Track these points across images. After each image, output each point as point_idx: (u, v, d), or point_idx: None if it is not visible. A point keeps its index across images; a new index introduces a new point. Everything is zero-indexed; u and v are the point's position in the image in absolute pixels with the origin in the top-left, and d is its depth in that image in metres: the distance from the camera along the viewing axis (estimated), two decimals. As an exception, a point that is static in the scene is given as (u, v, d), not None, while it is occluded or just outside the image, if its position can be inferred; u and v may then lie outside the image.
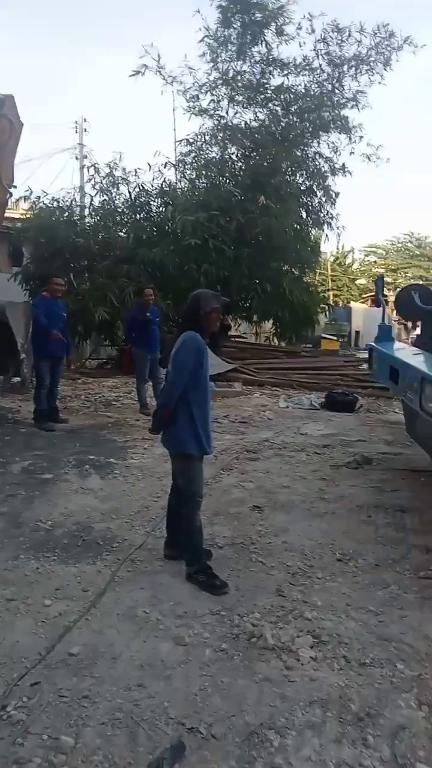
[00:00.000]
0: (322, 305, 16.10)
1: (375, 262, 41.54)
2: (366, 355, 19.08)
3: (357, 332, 26.31)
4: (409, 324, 33.36)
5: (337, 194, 14.86)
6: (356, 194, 71.62)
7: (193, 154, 14.32)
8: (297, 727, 2.44)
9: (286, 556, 4.07)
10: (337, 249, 35.30)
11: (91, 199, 13.71)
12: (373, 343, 6.34)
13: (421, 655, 3.04)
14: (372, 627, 3.26)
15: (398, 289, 5.58)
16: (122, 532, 4.22)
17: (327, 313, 21.67)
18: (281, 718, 2.47)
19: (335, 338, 20.17)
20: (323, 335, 20.16)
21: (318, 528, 4.64)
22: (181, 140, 14.13)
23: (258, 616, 3.23)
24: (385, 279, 6.23)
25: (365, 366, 15.21)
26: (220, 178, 13.84)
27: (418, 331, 14.24)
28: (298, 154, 14.40)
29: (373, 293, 33.30)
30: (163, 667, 2.74)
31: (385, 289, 6.25)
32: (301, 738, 2.38)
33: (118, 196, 13.60)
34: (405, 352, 5.38)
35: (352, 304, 30.22)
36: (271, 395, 10.81)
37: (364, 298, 33.75)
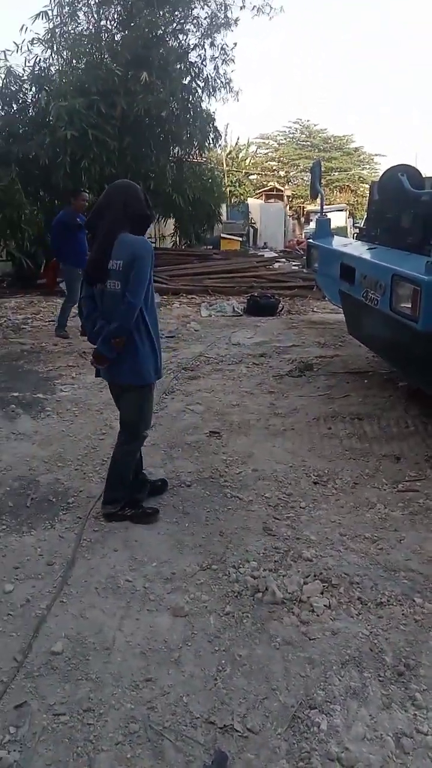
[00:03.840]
0: (226, 196, 14.96)
1: (267, 155, 40.18)
2: (268, 254, 18.44)
3: (255, 230, 25.55)
4: (302, 218, 33.03)
5: (233, 45, 13.07)
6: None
7: (64, 28, 12.07)
8: (338, 698, 2.11)
9: (261, 486, 3.69)
10: (225, 142, 33.51)
11: None
12: (312, 240, 5.86)
13: (433, 582, 2.82)
14: (375, 557, 3.00)
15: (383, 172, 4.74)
16: (74, 482, 3.60)
17: (227, 209, 20.53)
18: (318, 691, 2.14)
19: (235, 238, 19.30)
20: (222, 235, 19.20)
21: (283, 448, 4.29)
22: (39, 13, 11.58)
23: (255, 565, 2.85)
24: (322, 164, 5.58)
25: (278, 266, 14.85)
26: (99, 56, 11.95)
27: (312, 225, 13.65)
28: (180, 12, 12.53)
29: (267, 188, 32.53)
30: (168, 649, 2.30)
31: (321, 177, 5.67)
32: (348, 712, 2.06)
33: None
34: (357, 247, 4.93)
35: (249, 200, 29.18)
36: (190, 304, 10.18)
37: (258, 193, 32.71)
